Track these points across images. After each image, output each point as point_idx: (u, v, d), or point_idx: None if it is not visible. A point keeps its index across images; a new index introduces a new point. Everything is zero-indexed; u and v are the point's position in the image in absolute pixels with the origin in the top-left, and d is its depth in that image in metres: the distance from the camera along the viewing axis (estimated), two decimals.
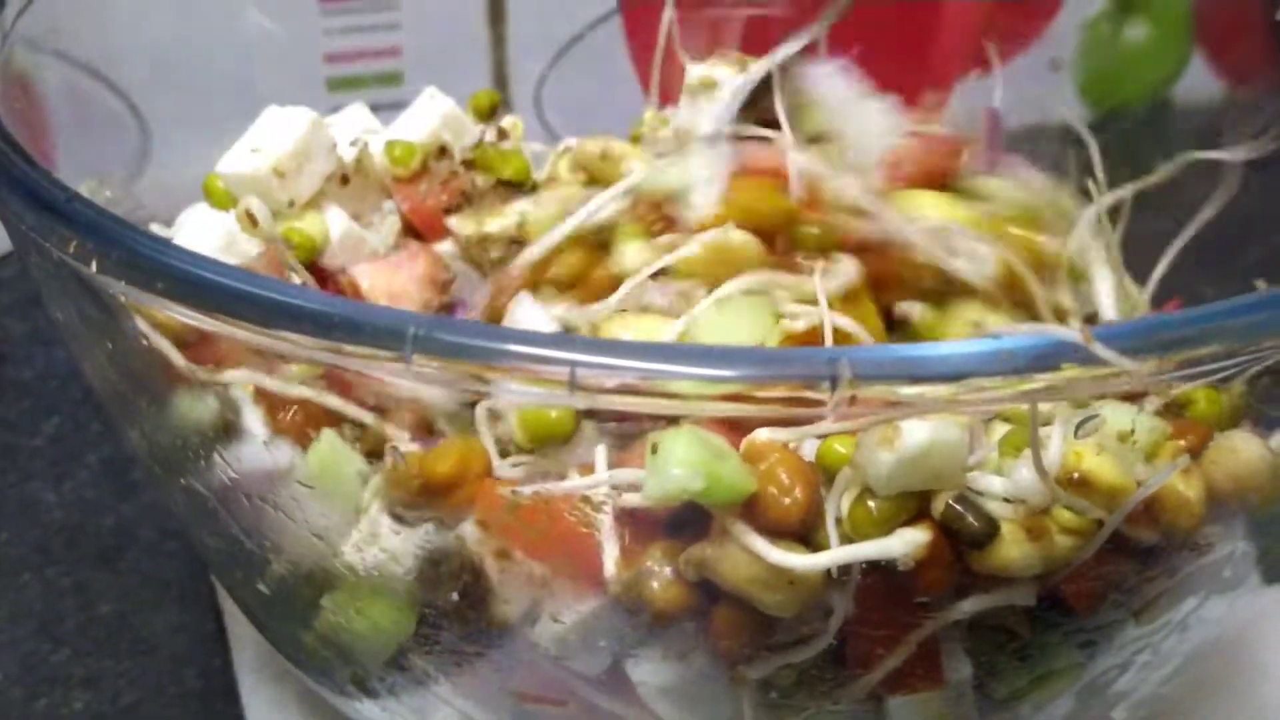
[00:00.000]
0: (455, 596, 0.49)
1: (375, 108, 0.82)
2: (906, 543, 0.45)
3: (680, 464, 0.43)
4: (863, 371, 0.39)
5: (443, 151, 0.65)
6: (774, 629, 0.47)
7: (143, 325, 0.48)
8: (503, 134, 0.68)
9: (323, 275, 0.59)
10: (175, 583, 0.72)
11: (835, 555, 0.45)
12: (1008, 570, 0.45)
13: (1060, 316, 0.59)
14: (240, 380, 0.49)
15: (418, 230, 0.63)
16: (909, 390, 0.40)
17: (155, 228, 0.63)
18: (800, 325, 0.52)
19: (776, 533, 0.45)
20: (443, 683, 0.52)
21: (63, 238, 0.45)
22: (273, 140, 0.61)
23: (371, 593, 0.51)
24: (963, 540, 0.45)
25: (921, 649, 0.48)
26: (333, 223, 0.61)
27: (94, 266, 0.45)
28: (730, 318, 0.53)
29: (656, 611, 0.46)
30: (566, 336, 0.47)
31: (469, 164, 0.66)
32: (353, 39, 0.83)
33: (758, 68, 0.62)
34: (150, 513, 0.76)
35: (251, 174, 0.60)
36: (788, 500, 0.45)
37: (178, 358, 0.48)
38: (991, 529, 0.45)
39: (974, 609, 0.47)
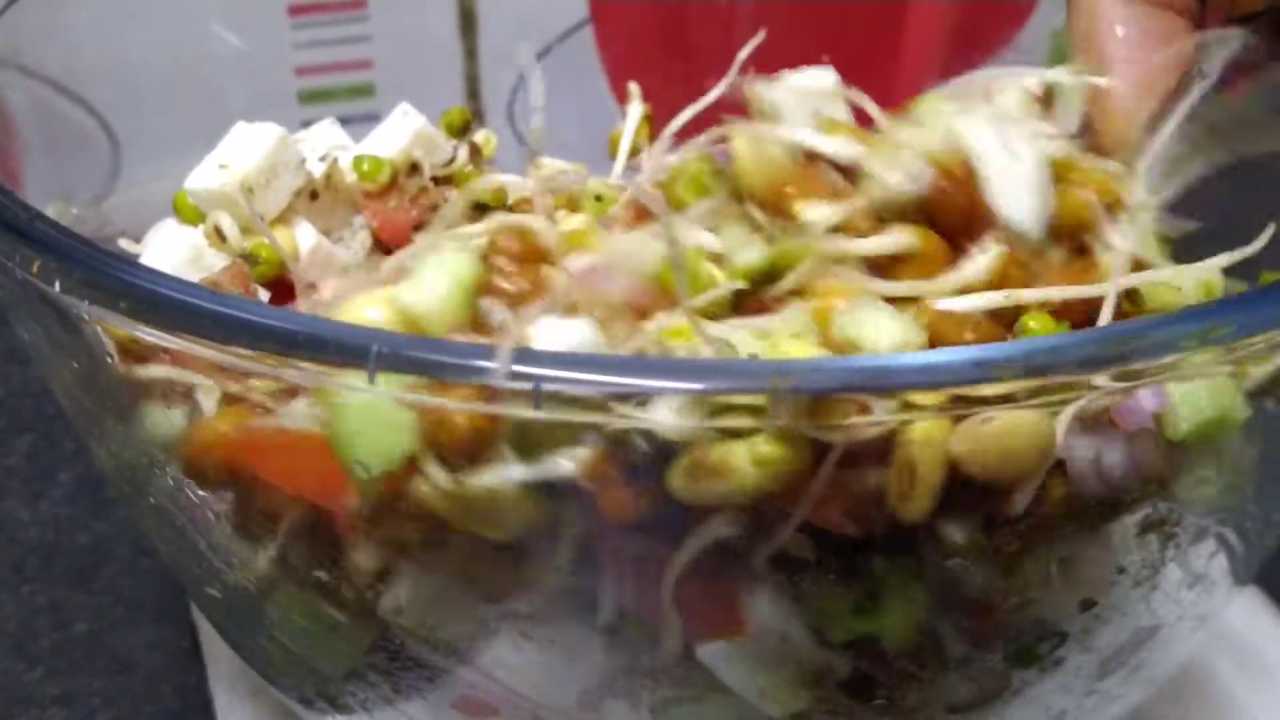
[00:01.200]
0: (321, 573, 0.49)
1: (347, 121, 0.82)
2: (573, 459, 0.44)
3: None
4: None
5: (414, 168, 0.65)
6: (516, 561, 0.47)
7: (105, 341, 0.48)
8: (475, 150, 0.68)
9: (290, 291, 0.59)
10: (150, 601, 0.72)
11: (503, 472, 0.45)
12: (699, 497, 0.45)
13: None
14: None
15: (387, 245, 0.63)
16: None
17: (124, 244, 0.62)
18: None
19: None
20: (413, 699, 0.52)
21: (25, 257, 0.45)
22: (241, 156, 0.61)
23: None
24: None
25: (708, 590, 0.47)
26: (302, 238, 0.61)
27: (57, 286, 0.44)
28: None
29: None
30: (530, 351, 0.47)
31: (441, 180, 0.66)
32: (323, 52, 0.83)
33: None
34: (125, 530, 0.75)
35: (219, 189, 0.60)
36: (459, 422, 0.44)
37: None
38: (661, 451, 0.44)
39: (696, 544, 0.46)
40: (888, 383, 0.41)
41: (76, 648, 0.70)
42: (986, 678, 0.51)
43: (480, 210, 0.63)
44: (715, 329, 0.47)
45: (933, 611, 0.49)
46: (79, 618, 0.72)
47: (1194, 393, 0.46)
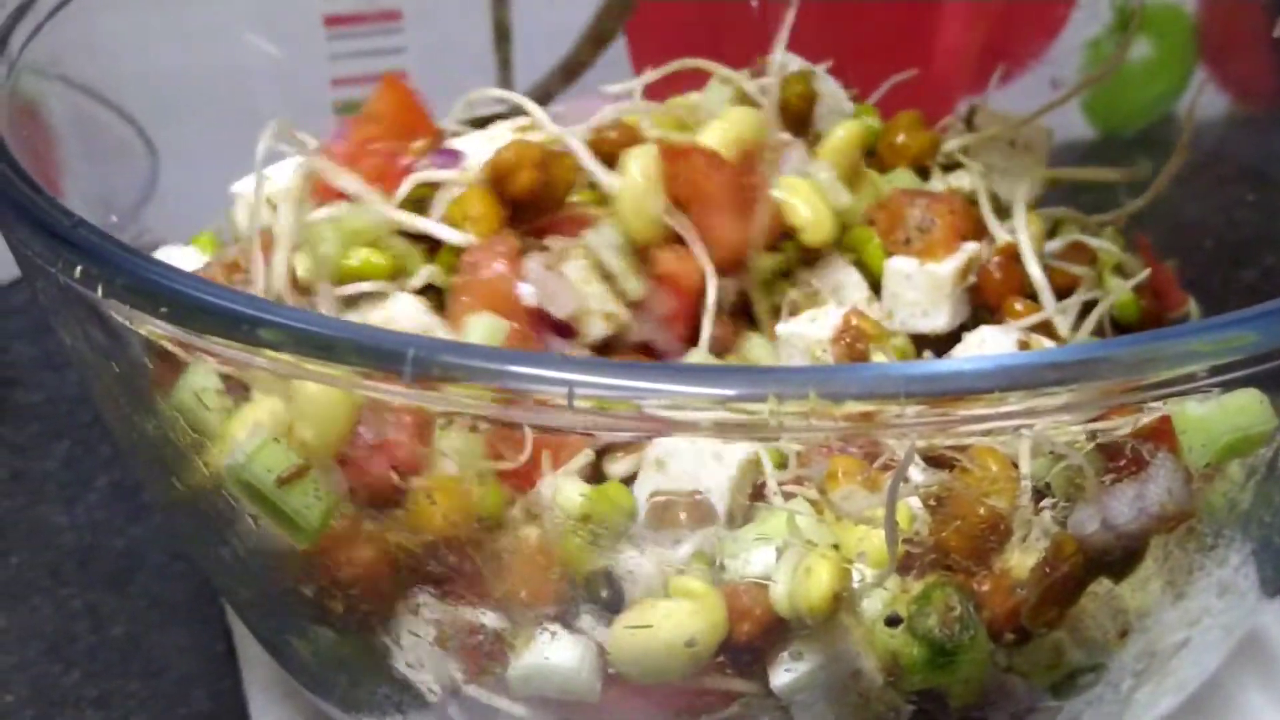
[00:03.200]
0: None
1: None
2: None
3: None
4: None
5: None
6: None
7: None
8: None
9: None
10: (185, 604, 0.73)
11: None
12: None
13: None
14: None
15: None
16: None
17: (165, 252, 0.63)
18: None
19: None
20: (450, 704, 0.52)
21: (68, 263, 0.46)
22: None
23: None
24: None
25: None
26: None
27: (99, 291, 0.45)
28: None
29: None
30: (566, 358, 0.48)
31: None
32: (358, 63, 0.83)
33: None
34: (160, 535, 0.76)
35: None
36: None
37: None
38: None
39: None
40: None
41: (112, 651, 0.71)
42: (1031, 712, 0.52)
43: None
44: None
45: (997, 669, 0.49)
46: (115, 621, 0.72)
47: (1207, 419, 0.46)
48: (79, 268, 0.45)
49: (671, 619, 0.47)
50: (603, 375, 0.41)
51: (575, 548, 0.47)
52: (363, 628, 0.51)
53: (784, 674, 0.48)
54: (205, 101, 0.76)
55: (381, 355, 0.42)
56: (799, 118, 0.67)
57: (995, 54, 0.80)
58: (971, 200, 0.65)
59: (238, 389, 0.49)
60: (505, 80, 0.85)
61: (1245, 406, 0.46)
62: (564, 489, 0.48)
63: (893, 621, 0.47)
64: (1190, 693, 0.59)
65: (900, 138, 0.68)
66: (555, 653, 0.49)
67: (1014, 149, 0.69)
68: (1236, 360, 0.42)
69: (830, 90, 0.69)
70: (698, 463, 0.50)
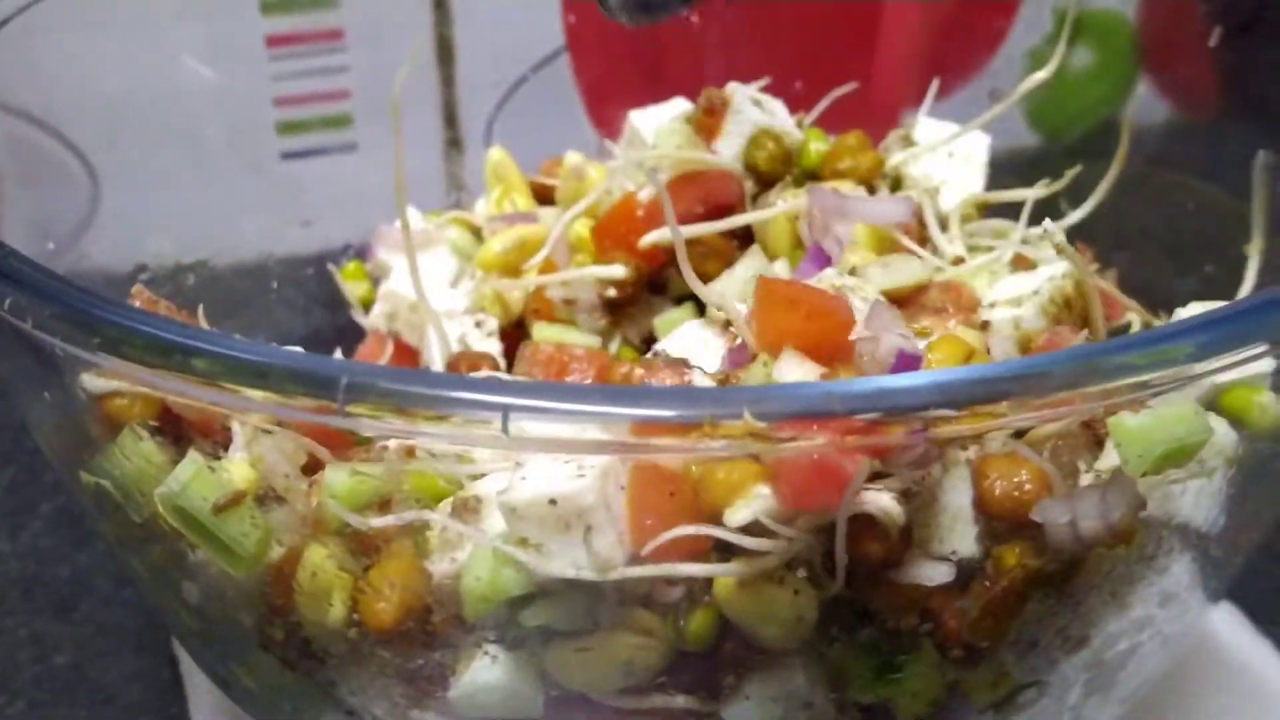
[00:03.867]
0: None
1: (324, 152, 0.83)
2: None
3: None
4: None
5: None
6: None
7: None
8: None
9: None
10: (131, 632, 0.72)
11: None
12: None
13: None
14: None
15: None
16: None
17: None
18: None
19: None
20: None
21: None
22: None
23: None
24: None
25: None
26: None
27: (29, 323, 0.45)
28: None
29: None
30: (500, 381, 0.48)
31: None
32: (301, 83, 0.83)
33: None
34: (106, 562, 0.76)
35: None
36: None
37: None
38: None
39: None
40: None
41: (57, 679, 0.70)
42: None
43: None
44: None
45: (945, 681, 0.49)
46: (60, 649, 0.72)
47: (1143, 429, 0.46)
48: (8, 299, 0.45)
49: (612, 642, 0.47)
50: (534, 399, 0.41)
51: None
52: (304, 655, 0.50)
53: (738, 704, 0.48)
54: (146, 125, 0.76)
55: (316, 382, 0.42)
56: (769, 179, 0.68)
57: (937, 67, 0.80)
58: None
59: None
60: (448, 98, 0.85)
61: (1182, 416, 0.46)
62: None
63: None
64: (1138, 699, 0.59)
65: (847, 162, 0.68)
66: (494, 673, 0.48)
67: (953, 160, 0.69)
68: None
69: (777, 114, 0.69)
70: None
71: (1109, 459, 0.49)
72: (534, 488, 0.45)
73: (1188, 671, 0.67)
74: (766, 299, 0.50)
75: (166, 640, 0.70)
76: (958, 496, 0.47)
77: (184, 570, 0.51)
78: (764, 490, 0.44)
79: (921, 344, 0.50)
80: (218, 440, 0.51)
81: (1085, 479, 0.48)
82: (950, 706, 0.50)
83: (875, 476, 0.45)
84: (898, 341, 0.49)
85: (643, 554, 0.44)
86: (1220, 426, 0.49)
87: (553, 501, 0.45)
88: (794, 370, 0.49)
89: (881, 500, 0.45)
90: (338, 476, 0.48)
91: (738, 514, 0.44)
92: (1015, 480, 0.47)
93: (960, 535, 0.47)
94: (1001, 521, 0.47)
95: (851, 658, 0.48)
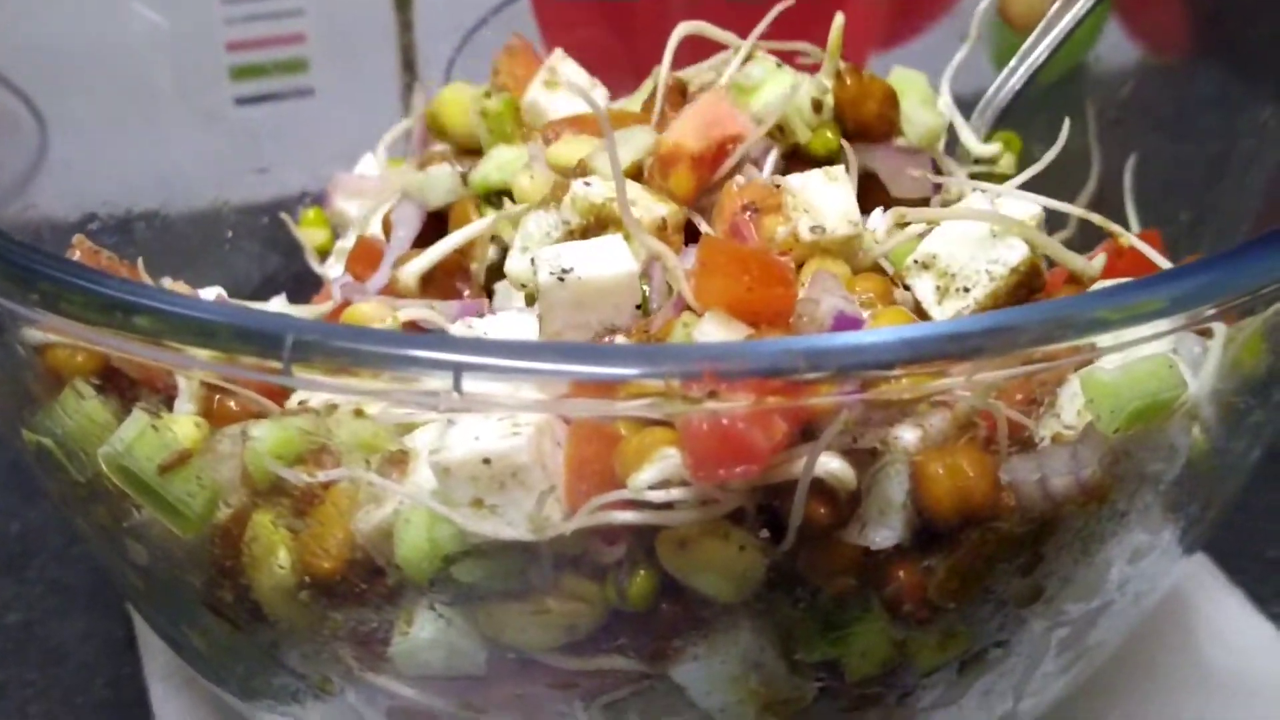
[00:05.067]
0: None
1: (280, 97, 0.81)
2: None
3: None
4: None
5: None
6: None
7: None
8: None
9: None
10: (84, 590, 0.71)
11: None
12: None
13: None
14: None
15: None
16: None
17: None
18: None
19: None
20: (346, 690, 0.51)
21: None
22: None
23: None
24: None
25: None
26: None
27: None
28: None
29: None
30: (450, 338, 0.47)
31: None
32: (255, 26, 0.81)
33: None
34: (57, 518, 0.74)
35: None
36: None
37: None
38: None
39: None
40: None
41: (8, 639, 0.69)
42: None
43: None
44: None
45: (896, 640, 0.48)
46: (11, 608, 0.70)
47: (1114, 385, 0.45)
48: None
49: (547, 603, 0.46)
50: (490, 356, 0.39)
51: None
52: (254, 617, 0.49)
53: (685, 665, 0.47)
54: (95, 70, 0.74)
55: (261, 340, 0.40)
56: None
57: (905, 9, 0.78)
58: None
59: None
60: (406, 43, 0.83)
61: (1154, 371, 0.45)
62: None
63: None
64: (1109, 653, 0.58)
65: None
66: (435, 630, 0.47)
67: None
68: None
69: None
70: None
71: (1069, 414, 0.48)
72: (467, 447, 0.44)
73: (1157, 622, 0.67)
74: (709, 261, 0.49)
75: (120, 599, 0.69)
76: (892, 488, 0.46)
77: (130, 531, 0.50)
78: (671, 452, 0.43)
79: (865, 314, 0.49)
80: (163, 392, 0.50)
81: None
82: (903, 666, 0.49)
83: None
84: (838, 303, 0.47)
85: (580, 512, 0.43)
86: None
87: (486, 460, 0.44)
88: (716, 332, 0.48)
89: (831, 464, 0.43)
90: (265, 430, 0.47)
91: (642, 476, 0.43)
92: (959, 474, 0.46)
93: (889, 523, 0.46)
94: (942, 519, 0.46)
95: (798, 617, 0.47)
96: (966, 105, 0.70)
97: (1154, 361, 0.45)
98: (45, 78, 0.70)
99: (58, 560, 0.73)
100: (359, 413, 0.46)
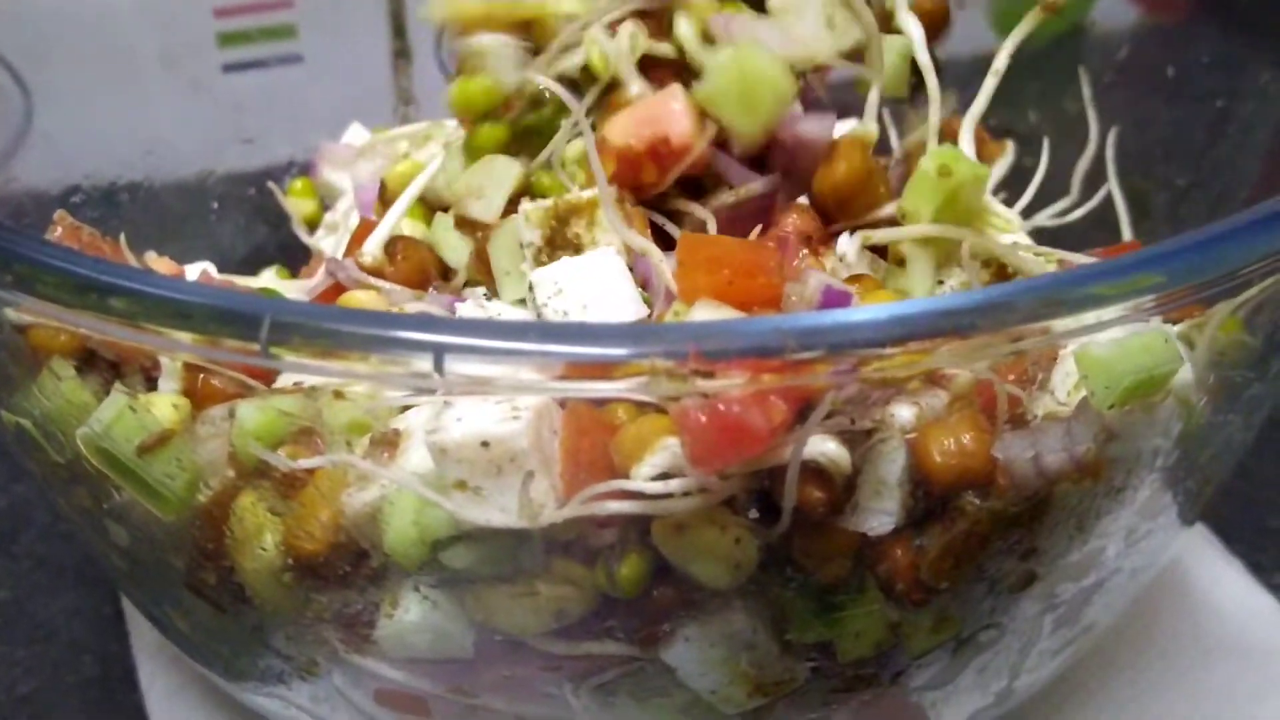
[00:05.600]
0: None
1: (267, 64, 0.80)
2: None
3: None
4: None
5: None
6: None
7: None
8: None
9: None
10: (71, 566, 0.70)
11: None
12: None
13: None
14: None
15: None
16: None
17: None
18: None
19: None
20: (332, 672, 0.50)
21: None
22: None
23: None
24: None
25: None
26: None
27: None
28: None
29: None
30: (431, 319, 0.46)
31: None
32: None
33: None
34: (44, 494, 0.73)
35: None
36: None
37: None
38: None
39: None
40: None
41: None
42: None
43: None
44: None
45: (890, 621, 0.48)
46: None
47: (1109, 360, 0.44)
48: None
49: (537, 588, 0.45)
50: (472, 337, 0.39)
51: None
52: (237, 599, 0.48)
53: (676, 647, 0.46)
54: (80, 39, 0.73)
55: (239, 321, 0.39)
56: None
57: None
58: None
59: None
60: (396, 7, 0.82)
61: (1150, 345, 0.44)
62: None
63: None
64: (1106, 626, 0.58)
65: None
66: (422, 613, 0.47)
67: None
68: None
69: None
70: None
71: (1061, 392, 0.47)
72: (466, 428, 0.43)
73: (1156, 593, 0.66)
74: (688, 259, 0.48)
75: (108, 575, 0.68)
76: (887, 468, 0.45)
77: (110, 513, 0.49)
78: (671, 442, 0.42)
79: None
80: (145, 371, 0.49)
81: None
82: (896, 648, 0.48)
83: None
84: (824, 279, 0.46)
85: (574, 501, 0.43)
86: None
87: (485, 444, 0.43)
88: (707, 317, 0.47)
89: (827, 446, 0.43)
90: (250, 412, 0.46)
91: (644, 468, 0.42)
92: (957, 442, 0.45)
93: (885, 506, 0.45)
94: (941, 488, 0.45)
95: (792, 599, 0.46)
96: (962, 71, 0.69)
97: (1149, 336, 0.44)
98: (30, 47, 0.69)
99: (46, 536, 0.72)
100: (339, 394, 0.45)
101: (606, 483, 0.43)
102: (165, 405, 0.47)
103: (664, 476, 0.42)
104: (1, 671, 0.65)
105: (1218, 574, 0.68)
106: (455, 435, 0.43)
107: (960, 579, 0.46)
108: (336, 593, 0.47)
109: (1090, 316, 0.40)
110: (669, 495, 0.43)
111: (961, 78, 0.69)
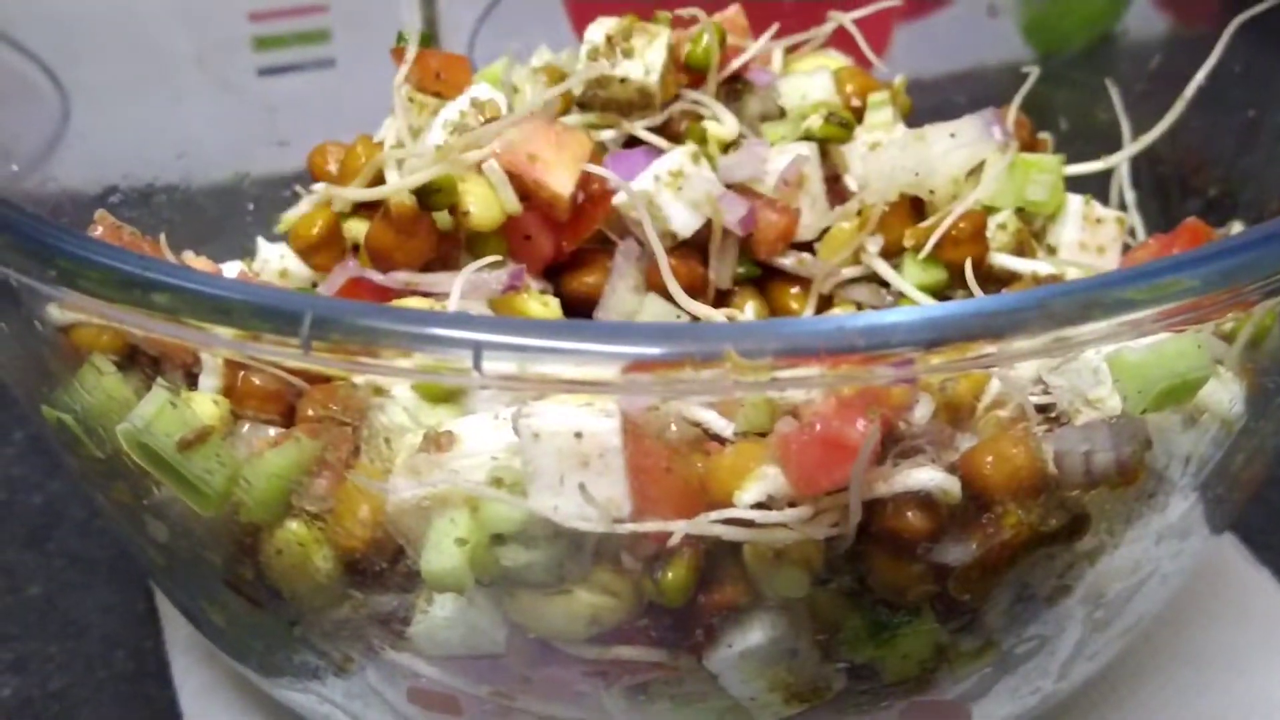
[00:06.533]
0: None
1: (301, 68, 0.81)
2: None
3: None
4: None
5: None
6: None
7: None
8: None
9: None
10: (105, 562, 0.71)
11: None
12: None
13: None
14: None
15: None
16: None
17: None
18: None
19: None
20: (367, 669, 0.51)
21: None
22: None
23: None
24: None
25: None
26: None
27: None
28: None
29: None
30: (470, 316, 0.46)
31: None
32: None
33: None
34: (79, 490, 0.74)
35: None
36: None
37: None
38: None
39: None
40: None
41: (29, 611, 0.69)
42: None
43: None
44: None
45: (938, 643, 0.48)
46: (32, 580, 0.70)
47: (1142, 365, 0.44)
48: None
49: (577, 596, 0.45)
50: (510, 335, 0.39)
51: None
52: (274, 595, 0.49)
53: (720, 653, 0.47)
54: (117, 41, 0.74)
55: (280, 317, 0.40)
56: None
57: None
58: None
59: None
60: (429, 13, 0.83)
61: (1183, 351, 0.44)
62: None
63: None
64: (1138, 633, 0.58)
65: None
66: (456, 609, 0.47)
67: None
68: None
69: None
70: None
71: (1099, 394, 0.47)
72: (561, 416, 0.43)
73: (1184, 601, 0.66)
74: None
75: (141, 571, 0.69)
76: None
77: (149, 508, 0.50)
78: (771, 471, 0.43)
79: None
80: (185, 368, 0.50)
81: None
82: (939, 669, 0.49)
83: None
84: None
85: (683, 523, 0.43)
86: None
87: (579, 434, 0.43)
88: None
89: (936, 476, 0.43)
90: (275, 460, 0.47)
91: (746, 495, 0.43)
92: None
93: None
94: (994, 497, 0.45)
95: (848, 616, 0.47)
96: (992, 79, 0.69)
97: (1182, 341, 0.44)
98: (67, 48, 0.70)
99: (80, 532, 0.73)
100: (378, 391, 0.46)
101: (721, 510, 0.43)
102: (206, 402, 0.47)
103: (760, 506, 0.43)
104: (34, 667, 0.66)
105: (1246, 582, 0.68)
106: (551, 422, 0.43)
107: (987, 593, 0.46)
108: (371, 589, 0.47)
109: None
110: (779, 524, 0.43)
111: (992, 84, 0.69)
